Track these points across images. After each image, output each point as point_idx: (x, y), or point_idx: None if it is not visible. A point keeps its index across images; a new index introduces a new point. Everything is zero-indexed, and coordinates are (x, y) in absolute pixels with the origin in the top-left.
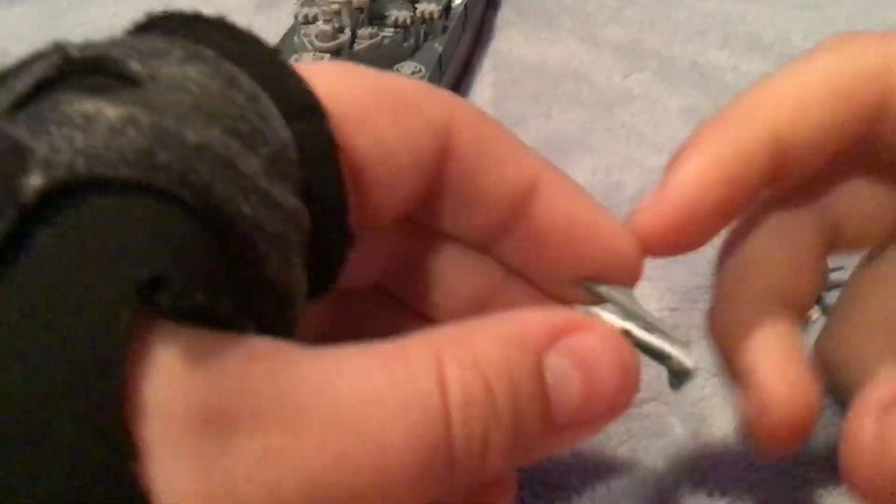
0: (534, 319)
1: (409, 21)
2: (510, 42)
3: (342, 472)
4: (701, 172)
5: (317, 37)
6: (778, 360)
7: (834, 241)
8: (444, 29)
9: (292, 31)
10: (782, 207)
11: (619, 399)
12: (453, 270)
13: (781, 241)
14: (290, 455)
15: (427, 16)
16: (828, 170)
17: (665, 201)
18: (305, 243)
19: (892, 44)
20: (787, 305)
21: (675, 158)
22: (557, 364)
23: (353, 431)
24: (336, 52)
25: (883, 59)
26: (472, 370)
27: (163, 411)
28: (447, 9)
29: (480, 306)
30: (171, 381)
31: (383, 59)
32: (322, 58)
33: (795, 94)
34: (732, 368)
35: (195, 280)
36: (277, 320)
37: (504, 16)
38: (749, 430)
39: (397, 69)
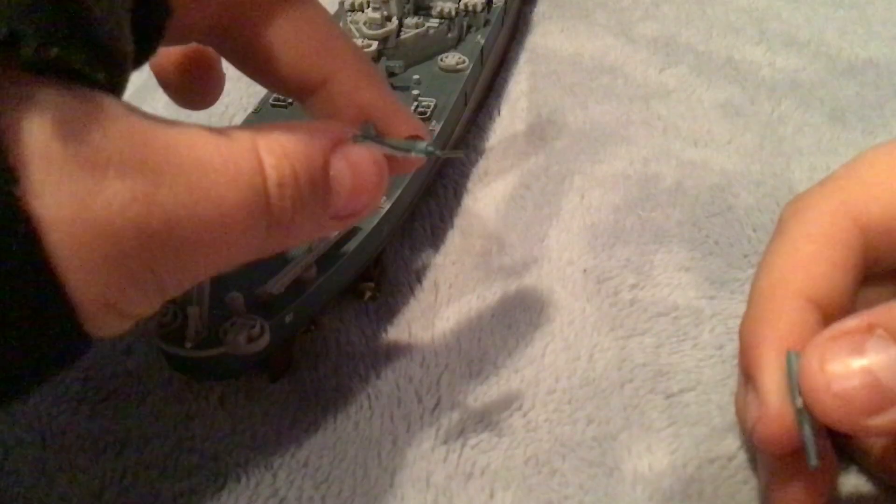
0: (324, 128)
1: (453, 13)
2: (546, 36)
3: (191, 220)
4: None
5: (365, 24)
6: (783, 373)
7: (871, 263)
8: (486, 22)
9: (337, 18)
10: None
11: (376, 190)
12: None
13: (823, 246)
14: (152, 200)
15: (470, 8)
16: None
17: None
18: (130, 11)
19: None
20: (819, 311)
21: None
22: (337, 163)
23: (197, 190)
24: (383, 41)
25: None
26: (282, 159)
27: (41, 153)
28: (489, 2)
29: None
30: (46, 130)
31: (428, 48)
32: (370, 45)
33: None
34: (745, 366)
35: (50, 35)
36: (112, 84)
37: (540, 10)
38: (748, 429)
39: (442, 59)
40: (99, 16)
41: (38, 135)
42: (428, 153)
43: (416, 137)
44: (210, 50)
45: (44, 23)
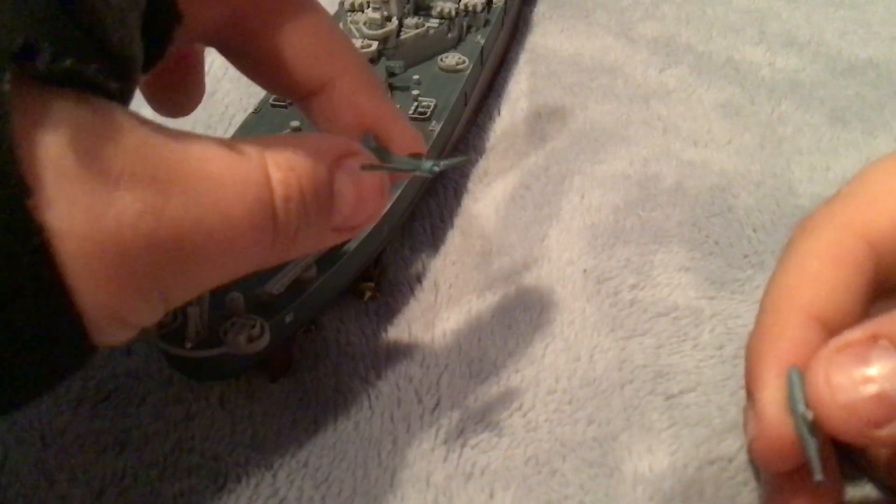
0: (328, 141)
1: (453, 13)
2: (546, 36)
3: (199, 233)
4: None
5: (365, 24)
6: (782, 390)
7: (882, 283)
8: (486, 22)
9: (337, 18)
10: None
11: (378, 203)
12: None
13: (829, 263)
14: (162, 213)
15: (470, 8)
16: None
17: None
18: (140, 18)
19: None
20: (824, 329)
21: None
22: (340, 177)
23: (206, 203)
24: (383, 41)
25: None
26: (288, 173)
27: (54, 165)
28: (489, 2)
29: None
30: (60, 142)
31: (428, 48)
32: (370, 45)
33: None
34: (747, 382)
35: (64, 46)
36: (122, 92)
37: (540, 10)
38: (748, 445)
39: (442, 59)
40: (111, 25)
41: (51, 147)
42: (432, 173)
43: (416, 155)
44: (189, 57)
45: (58, 34)
